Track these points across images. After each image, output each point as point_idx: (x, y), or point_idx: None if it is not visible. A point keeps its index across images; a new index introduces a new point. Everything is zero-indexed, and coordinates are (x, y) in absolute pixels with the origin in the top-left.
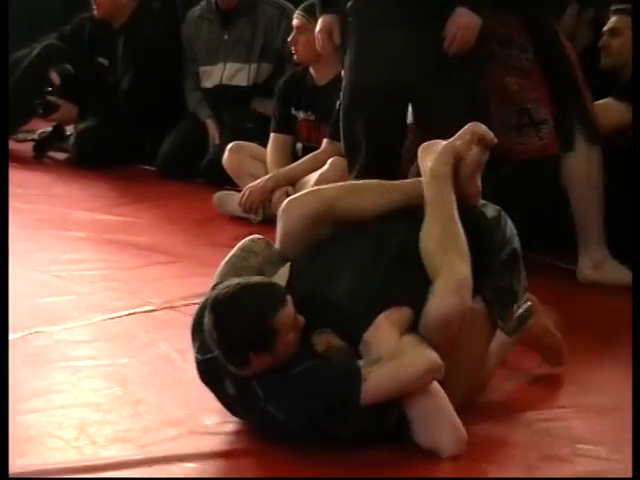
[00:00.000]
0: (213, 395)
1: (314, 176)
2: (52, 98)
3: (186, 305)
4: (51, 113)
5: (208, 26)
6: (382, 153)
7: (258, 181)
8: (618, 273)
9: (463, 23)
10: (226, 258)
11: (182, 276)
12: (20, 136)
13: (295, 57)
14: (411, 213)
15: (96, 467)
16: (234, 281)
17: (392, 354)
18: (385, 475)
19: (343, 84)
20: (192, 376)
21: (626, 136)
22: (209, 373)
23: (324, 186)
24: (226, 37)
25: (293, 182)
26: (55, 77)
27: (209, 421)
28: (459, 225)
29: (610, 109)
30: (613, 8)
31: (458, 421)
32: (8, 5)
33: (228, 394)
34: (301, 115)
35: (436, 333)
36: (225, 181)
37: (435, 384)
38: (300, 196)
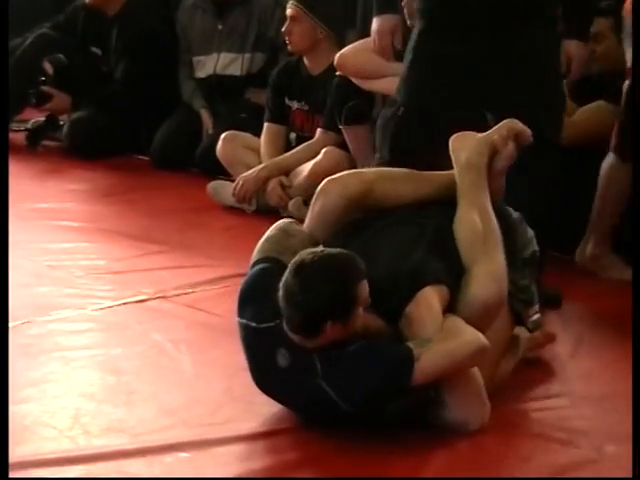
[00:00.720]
0: (248, 364)
1: (308, 166)
2: (45, 88)
3: (179, 295)
4: (44, 103)
5: (202, 15)
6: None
7: (251, 171)
8: (616, 267)
9: (576, 55)
10: (265, 236)
11: (176, 266)
12: (13, 126)
13: (289, 47)
14: (441, 203)
15: (90, 457)
16: (317, 249)
17: (441, 335)
18: (383, 474)
19: (404, 92)
20: (186, 366)
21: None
22: (261, 341)
23: (363, 169)
24: (220, 27)
25: (287, 172)
26: (48, 67)
27: (202, 411)
28: (494, 217)
29: (601, 111)
30: (597, 8)
31: (486, 395)
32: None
33: (277, 366)
34: (295, 105)
35: (476, 318)
36: (219, 171)
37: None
38: (340, 177)
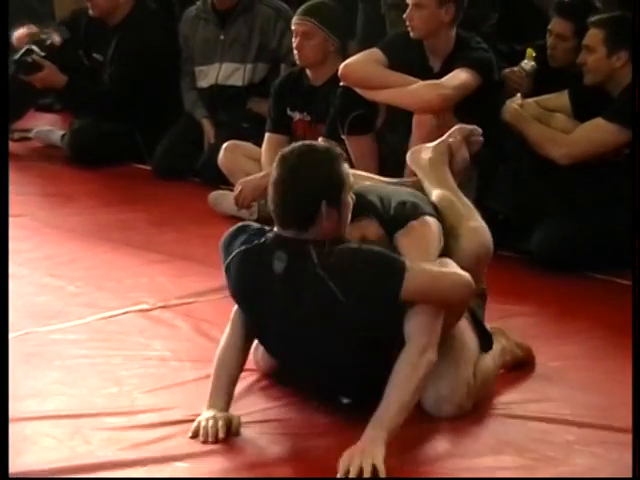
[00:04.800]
0: (245, 290)
1: None
2: (37, 57)
3: (181, 304)
4: (34, 72)
5: (204, 26)
6: None
7: (252, 177)
8: None
9: None
10: None
11: (177, 275)
12: (16, 135)
13: (299, 61)
14: None
15: (90, 467)
16: (295, 145)
17: (434, 262)
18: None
19: None
20: (186, 376)
21: (620, 153)
22: (253, 259)
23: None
24: (222, 37)
25: None
26: (54, 35)
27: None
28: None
29: (600, 129)
30: (589, 20)
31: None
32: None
33: (274, 275)
34: (297, 116)
35: (467, 268)
36: (220, 180)
37: None
38: None
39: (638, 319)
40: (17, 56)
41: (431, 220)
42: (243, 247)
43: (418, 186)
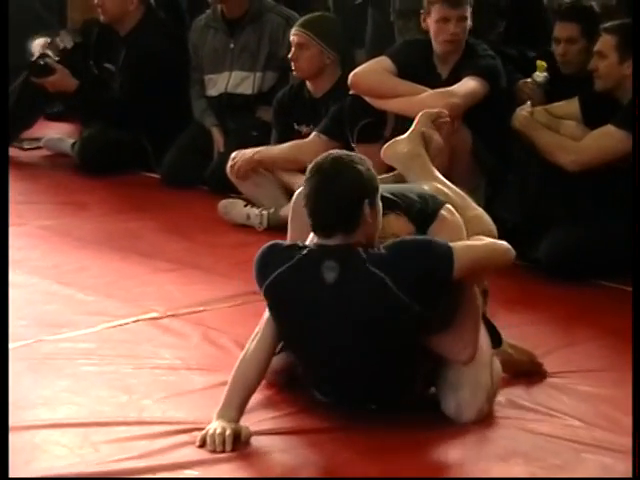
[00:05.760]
0: (292, 307)
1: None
2: (49, 61)
3: (190, 313)
4: (45, 75)
5: (214, 34)
6: None
7: (246, 150)
8: None
9: None
10: None
11: (186, 284)
12: (25, 144)
13: (295, 72)
14: None
15: (100, 475)
16: (324, 155)
17: (471, 239)
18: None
19: None
20: (196, 384)
21: (629, 160)
22: (300, 273)
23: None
24: (232, 45)
25: (275, 161)
26: (67, 39)
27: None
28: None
29: (609, 136)
30: (602, 26)
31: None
32: (8, 7)
33: (326, 285)
34: (303, 129)
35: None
36: (229, 189)
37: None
38: None
39: (639, 326)
40: (32, 59)
41: (452, 207)
42: (286, 264)
43: (400, 180)
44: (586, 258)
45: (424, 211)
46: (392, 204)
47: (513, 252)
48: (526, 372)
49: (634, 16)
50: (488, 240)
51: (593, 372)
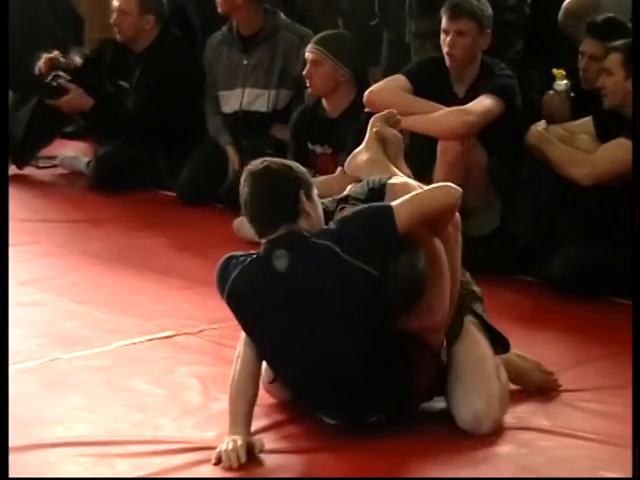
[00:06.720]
0: (252, 306)
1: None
2: (62, 81)
3: (205, 330)
4: (59, 96)
5: (228, 51)
6: None
7: None
8: None
9: None
10: None
11: (200, 301)
12: (41, 163)
13: (309, 89)
14: None
15: None
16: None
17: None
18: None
19: None
20: (212, 403)
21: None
22: (253, 270)
23: None
24: (245, 62)
25: None
26: (77, 59)
27: None
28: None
29: (622, 148)
30: (610, 45)
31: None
32: (8, 9)
33: (278, 274)
34: (318, 149)
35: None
36: None
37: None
38: None
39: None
40: (44, 81)
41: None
42: (238, 269)
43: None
44: (600, 275)
45: (374, 189)
46: (344, 199)
47: (455, 190)
48: (539, 387)
49: (634, 19)
50: (430, 188)
51: (607, 389)
